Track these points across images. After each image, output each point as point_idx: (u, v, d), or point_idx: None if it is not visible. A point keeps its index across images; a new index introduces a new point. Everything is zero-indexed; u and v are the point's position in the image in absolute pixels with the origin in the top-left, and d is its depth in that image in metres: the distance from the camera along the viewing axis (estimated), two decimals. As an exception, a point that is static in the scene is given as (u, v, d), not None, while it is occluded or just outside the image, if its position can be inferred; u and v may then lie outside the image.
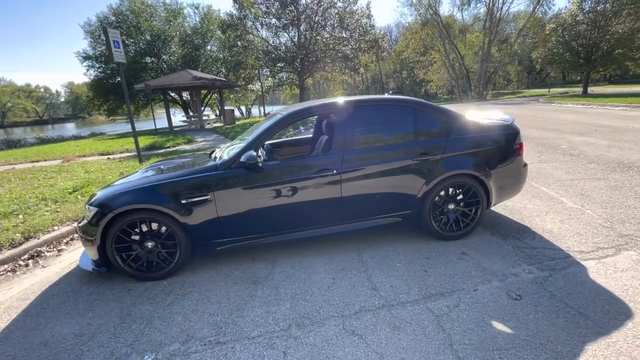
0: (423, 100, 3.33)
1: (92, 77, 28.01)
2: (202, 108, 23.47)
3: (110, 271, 2.87)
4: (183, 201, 2.73)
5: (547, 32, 24.46)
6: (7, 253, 3.42)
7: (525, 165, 3.38)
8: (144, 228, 2.81)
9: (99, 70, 27.31)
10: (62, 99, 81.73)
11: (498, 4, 31.24)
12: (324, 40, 22.88)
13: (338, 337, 2.04)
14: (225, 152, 3.21)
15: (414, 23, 39.15)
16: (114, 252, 2.75)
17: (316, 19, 22.29)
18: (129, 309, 2.48)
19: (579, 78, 34.16)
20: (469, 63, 37.01)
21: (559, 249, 2.92)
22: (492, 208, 3.89)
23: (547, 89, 32.36)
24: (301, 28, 22.62)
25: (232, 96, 32.38)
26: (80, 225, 2.88)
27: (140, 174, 3.29)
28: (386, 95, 3.43)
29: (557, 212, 3.72)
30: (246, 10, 22.04)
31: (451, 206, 3.19)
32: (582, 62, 23.06)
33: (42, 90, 79.48)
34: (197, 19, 29.66)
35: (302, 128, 10.73)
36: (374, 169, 2.96)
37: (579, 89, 27.43)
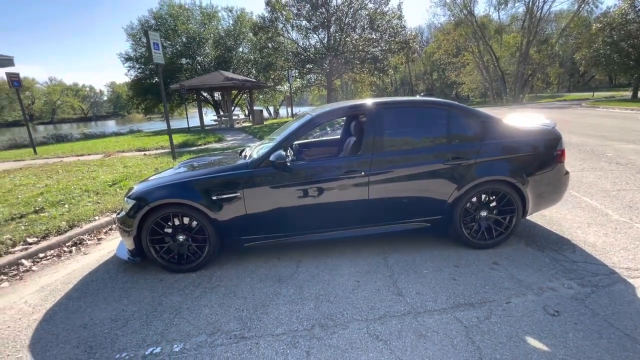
0: (456, 103, 3.23)
1: (132, 77, 29.73)
2: (233, 108, 24.19)
3: (144, 261, 3.02)
4: (214, 197, 2.82)
5: (593, 32, 22.92)
6: (53, 239, 3.69)
7: (567, 173, 3.17)
8: (177, 222, 2.93)
9: (139, 70, 28.92)
10: (105, 98, 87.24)
11: (538, 3, 29.70)
12: (354, 41, 22.81)
13: (362, 341, 2.01)
14: (255, 151, 3.27)
15: (447, 24, 38.07)
16: (148, 244, 2.89)
17: (346, 20, 22.29)
18: (160, 299, 2.60)
19: (628, 81, 31.61)
20: (505, 65, 35.42)
21: (602, 264, 2.71)
22: (528, 217, 3.69)
23: (591, 93, 30.27)
24: (331, 30, 22.71)
25: (261, 97, 33.11)
26: (118, 216, 3.05)
27: (174, 170, 3.43)
28: (417, 97, 3.35)
29: (601, 224, 3.46)
30: (278, 13, 22.45)
31: (484, 213, 3.06)
32: (633, 64, 21.41)
33: (87, 89, 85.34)
34: (231, 22, 30.66)
35: (328, 129, 10.76)
36: (403, 172, 2.90)
37: (627, 93, 25.43)
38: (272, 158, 2.78)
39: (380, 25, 22.66)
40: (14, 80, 10.79)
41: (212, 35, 29.36)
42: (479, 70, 36.31)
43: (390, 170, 2.89)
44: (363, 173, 2.85)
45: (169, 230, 2.93)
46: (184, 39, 28.11)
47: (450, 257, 2.98)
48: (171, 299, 2.58)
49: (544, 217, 3.73)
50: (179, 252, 2.97)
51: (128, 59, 28.93)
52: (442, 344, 1.95)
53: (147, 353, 2.02)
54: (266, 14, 22.99)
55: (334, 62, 22.86)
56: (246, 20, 29.49)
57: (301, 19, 22.97)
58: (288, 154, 3.32)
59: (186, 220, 2.94)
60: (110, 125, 52.01)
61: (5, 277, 3.07)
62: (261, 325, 2.21)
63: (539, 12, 30.02)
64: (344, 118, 4.26)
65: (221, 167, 3.01)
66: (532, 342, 1.93)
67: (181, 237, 2.93)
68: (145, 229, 2.86)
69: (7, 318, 2.47)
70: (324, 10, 21.99)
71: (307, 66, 24.79)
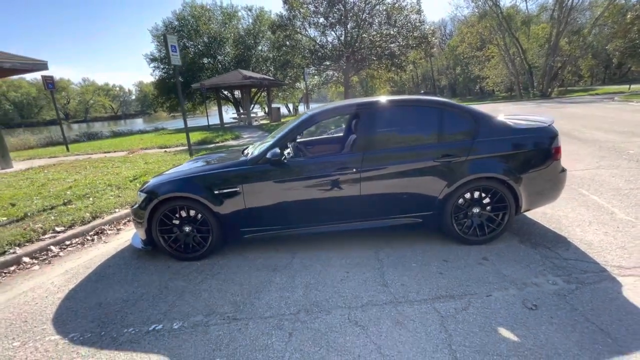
0: (449, 101, 3.28)
1: (157, 77, 30.93)
2: (252, 106, 24.69)
3: (155, 250, 3.30)
4: (215, 192, 3.05)
5: (629, 21, 21.50)
6: (78, 229, 4.08)
7: (564, 170, 3.15)
8: (183, 214, 3.19)
9: (163, 70, 30.03)
10: (133, 97, 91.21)
11: (570, -9, 28.01)
12: (371, 37, 22.61)
13: (341, 326, 2.17)
14: (255, 148, 3.48)
15: (471, 16, 36.79)
16: (157, 234, 3.16)
17: (363, 16, 22.12)
18: (167, 283, 2.86)
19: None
20: (532, 57, 33.79)
21: (594, 262, 2.71)
22: (527, 214, 3.69)
23: (628, 85, 28.38)
24: (348, 26, 22.62)
25: (280, 94, 33.52)
26: (133, 208, 3.35)
27: (185, 165, 3.71)
28: (412, 96, 3.43)
29: (603, 223, 3.41)
30: (295, 11, 22.61)
31: (476, 210, 3.10)
32: (673, 54, 19.89)
33: (117, 89, 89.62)
34: (250, 21, 31.17)
35: (344, 126, 10.84)
36: (393, 169, 3.00)
37: (668, 86, 23.67)
38: (268, 155, 2.97)
39: (397, 20, 22.30)
40: (49, 83, 11.63)
41: (232, 34, 29.99)
42: (504, 63, 34.91)
43: (381, 167, 3.00)
44: (355, 170, 2.98)
45: (176, 222, 3.19)
46: (205, 39, 28.90)
47: (441, 252, 3.06)
48: (176, 284, 2.84)
49: (545, 214, 3.71)
50: (185, 241, 3.22)
51: (153, 59, 30.10)
52: (416, 331, 2.07)
53: (150, 329, 2.27)
54: (284, 12, 23.24)
55: (350, 59, 22.79)
56: (265, 18, 29.88)
57: (318, 16, 23.01)
58: (289, 150, 3.50)
59: (192, 212, 3.19)
60: (138, 123, 54.28)
61: (36, 261, 3.46)
62: (252, 309, 2.42)
63: (570, 1, 28.39)
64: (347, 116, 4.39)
65: (224, 164, 3.24)
66: (504, 332, 2.02)
67: (187, 228, 3.18)
68: (155, 220, 3.13)
69: (36, 296, 2.81)
70: (341, 6, 21.93)
71: (325, 63, 24.84)
